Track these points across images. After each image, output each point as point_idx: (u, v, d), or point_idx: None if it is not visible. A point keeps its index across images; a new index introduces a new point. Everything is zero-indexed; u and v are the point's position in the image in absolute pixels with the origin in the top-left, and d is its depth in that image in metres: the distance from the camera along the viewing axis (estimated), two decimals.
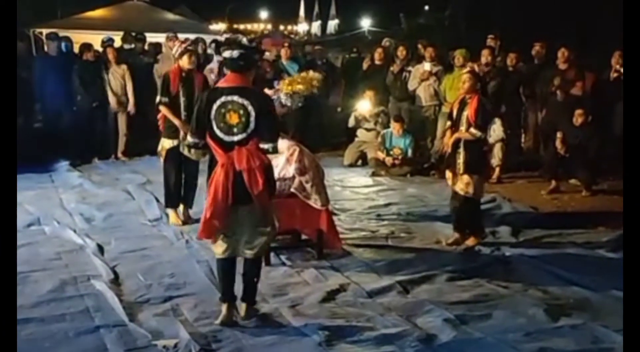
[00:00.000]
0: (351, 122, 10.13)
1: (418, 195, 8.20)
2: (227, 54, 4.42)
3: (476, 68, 6.30)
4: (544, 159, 8.88)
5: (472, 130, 6.05)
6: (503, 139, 8.78)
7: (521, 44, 10.38)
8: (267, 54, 11.67)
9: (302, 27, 41.81)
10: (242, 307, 4.52)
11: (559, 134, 8.35)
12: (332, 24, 43.20)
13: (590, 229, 6.74)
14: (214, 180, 4.30)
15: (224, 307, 4.46)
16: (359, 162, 10.00)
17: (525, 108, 9.86)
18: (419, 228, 6.76)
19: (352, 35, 33.63)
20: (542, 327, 4.45)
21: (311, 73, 6.26)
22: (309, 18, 44.57)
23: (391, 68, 10.19)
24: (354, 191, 8.43)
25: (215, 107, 4.29)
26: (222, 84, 4.48)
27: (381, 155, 9.43)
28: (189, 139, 4.55)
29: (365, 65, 10.59)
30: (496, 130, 8.46)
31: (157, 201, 7.41)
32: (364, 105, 9.94)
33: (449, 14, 22.64)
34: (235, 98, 4.27)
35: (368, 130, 9.96)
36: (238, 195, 4.26)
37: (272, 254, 5.65)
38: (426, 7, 27.58)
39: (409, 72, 9.99)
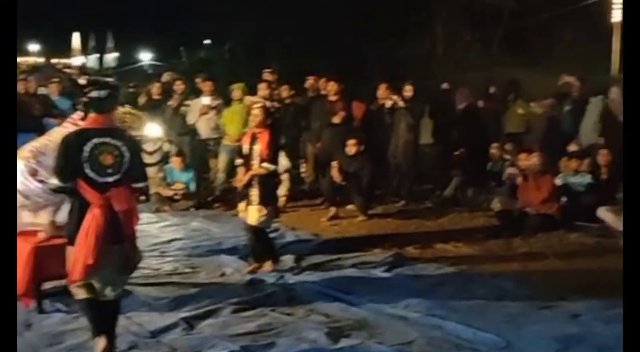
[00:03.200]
0: None
1: (202, 229, 8.17)
2: (94, 94, 4.32)
3: (267, 104, 6.50)
4: (323, 187, 9.26)
5: (265, 164, 6.24)
6: (289, 170, 9.04)
7: (296, 76, 10.83)
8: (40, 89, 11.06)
9: (77, 61, 39.96)
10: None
11: (334, 163, 8.77)
12: (111, 58, 41.95)
13: (367, 251, 7.10)
14: (90, 223, 4.13)
15: (101, 341, 4.26)
16: (142, 197, 9.72)
17: (303, 139, 10.24)
18: (203, 262, 6.72)
19: (132, 69, 32.95)
20: (323, 350, 4.59)
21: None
22: (85, 51, 42.88)
23: (169, 102, 10.10)
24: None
25: (87, 149, 4.18)
26: (88, 125, 4.37)
27: (163, 190, 9.27)
28: (56, 182, 4.27)
29: (142, 100, 10.37)
30: (282, 161, 8.69)
31: None
32: (152, 129, 9.61)
33: (229, 48, 23.03)
34: (108, 140, 4.25)
35: (149, 165, 9.73)
36: (113, 235, 4.21)
37: (46, 301, 5.31)
38: (207, 41, 27.72)
39: (188, 106, 9.98)
